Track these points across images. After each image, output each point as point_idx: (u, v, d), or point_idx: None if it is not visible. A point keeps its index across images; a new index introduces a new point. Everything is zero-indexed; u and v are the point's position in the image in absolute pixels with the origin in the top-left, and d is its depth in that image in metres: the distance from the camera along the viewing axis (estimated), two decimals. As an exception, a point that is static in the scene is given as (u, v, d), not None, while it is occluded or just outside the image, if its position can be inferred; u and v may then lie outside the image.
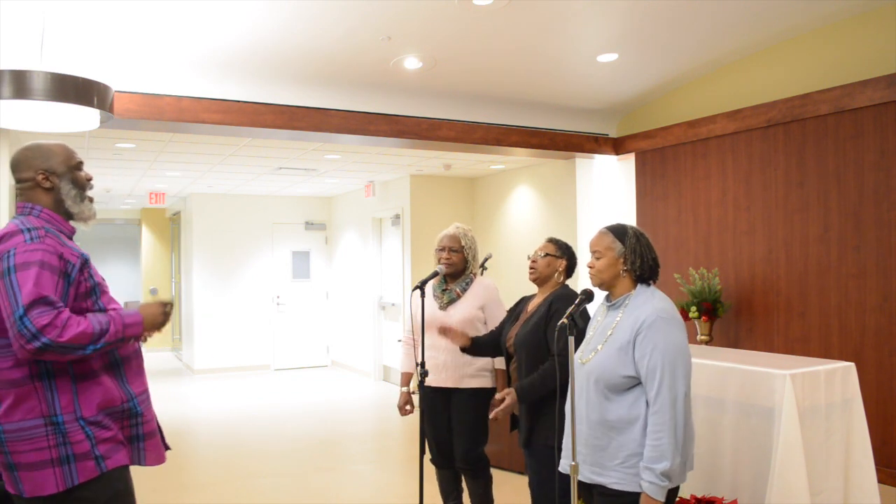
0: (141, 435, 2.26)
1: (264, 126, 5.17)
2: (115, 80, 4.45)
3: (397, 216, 9.11)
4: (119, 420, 2.20)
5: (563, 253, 3.18)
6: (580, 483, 2.46)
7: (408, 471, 5.37)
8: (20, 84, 2.83)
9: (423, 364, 3.50)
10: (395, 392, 8.65)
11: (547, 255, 3.16)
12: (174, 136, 5.95)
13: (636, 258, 2.45)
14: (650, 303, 2.39)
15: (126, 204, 12.06)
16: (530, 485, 3.14)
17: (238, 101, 5.10)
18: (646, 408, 2.29)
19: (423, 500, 3.46)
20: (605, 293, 2.57)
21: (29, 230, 2.09)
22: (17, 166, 2.22)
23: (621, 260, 2.46)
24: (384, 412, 7.74)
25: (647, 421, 2.26)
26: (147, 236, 13.05)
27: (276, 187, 9.93)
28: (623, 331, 2.37)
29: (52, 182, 2.21)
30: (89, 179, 2.31)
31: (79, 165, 2.28)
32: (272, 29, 4.39)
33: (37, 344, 1.95)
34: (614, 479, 2.33)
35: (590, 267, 2.53)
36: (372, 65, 5.03)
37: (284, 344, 10.96)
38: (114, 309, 2.21)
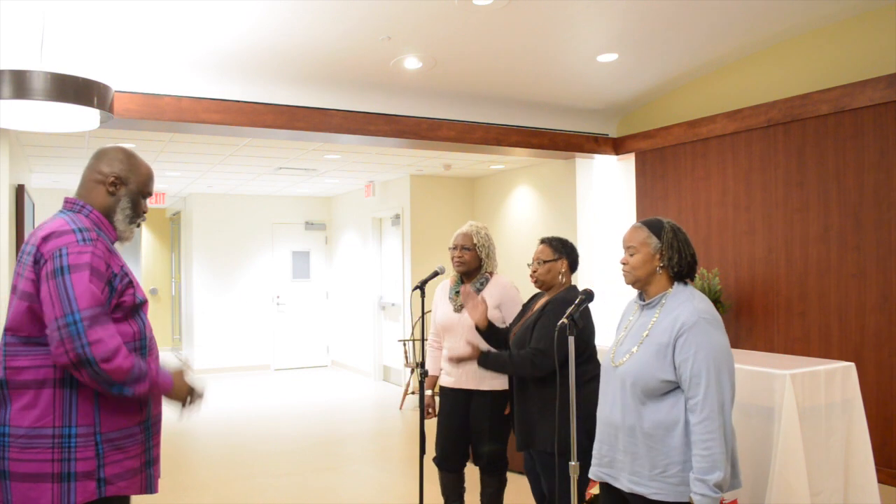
0: (152, 459, 2.19)
1: (264, 126, 5.17)
2: (115, 80, 4.46)
3: (397, 216, 9.11)
4: (140, 443, 2.12)
5: (561, 253, 3.10)
6: (616, 492, 2.35)
7: (408, 471, 5.37)
8: (20, 84, 2.82)
9: (422, 364, 3.49)
10: (395, 392, 8.65)
11: (545, 262, 3.09)
12: (174, 136, 5.95)
13: (673, 254, 2.29)
14: (690, 303, 2.23)
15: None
16: (535, 493, 3.13)
17: (238, 101, 5.10)
18: (684, 413, 2.16)
19: (423, 501, 3.47)
20: (638, 292, 2.42)
21: (81, 230, 2.04)
22: (102, 156, 2.20)
23: (657, 256, 2.30)
24: (384, 412, 7.73)
25: (692, 429, 2.12)
26: (147, 236, 13.04)
27: (276, 187, 9.93)
28: (661, 332, 2.22)
29: (117, 191, 2.19)
30: (146, 211, 2.30)
31: (147, 194, 2.28)
32: (272, 29, 4.39)
33: (81, 356, 1.90)
34: (654, 490, 2.19)
35: (623, 263, 2.37)
36: (372, 65, 5.03)
37: (284, 344, 10.96)
38: (154, 362, 2.17)
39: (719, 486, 2.08)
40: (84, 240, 2.02)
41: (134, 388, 2.01)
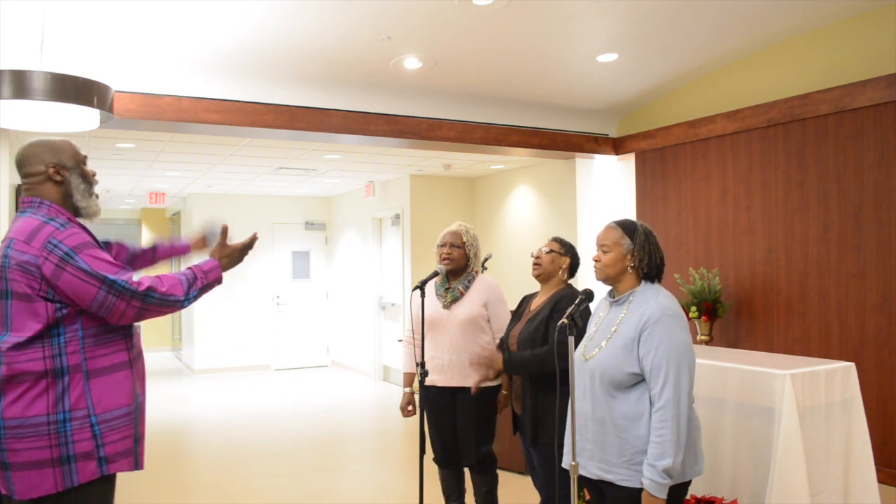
0: (138, 437, 2.24)
1: (264, 126, 5.17)
2: (115, 80, 4.45)
3: (397, 216, 9.11)
4: (130, 424, 2.18)
5: (567, 251, 3.22)
6: (589, 480, 2.45)
7: (408, 471, 5.37)
8: (20, 84, 2.82)
9: (422, 364, 3.49)
10: (395, 392, 8.65)
11: (551, 251, 3.20)
12: (174, 136, 5.95)
13: (644, 255, 2.42)
14: (655, 300, 2.36)
15: (126, 204, 12.07)
16: (536, 485, 3.15)
17: (238, 101, 5.10)
18: (650, 404, 2.28)
19: (423, 500, 3.46)
20: (609, 288, 2.54)
21: (51, 220, 2.10)
22: (25, 161, 2.19)
23: (629, 256, 2.43)
24: (384, 412, 7.74)
25: (652, 417, 2.25)
26: (147, 236, 13.05)
27: (276, 187, 9.93)
28: (627, 327, 2.35)
29: (63, 176, 2.20)
30: (94, 174, 2.31)
31: (84, 160, 2.29)
32: (272, 29, 4.39)
33: (140, 296, 2.06)
34: (621, 476, 2.32)
35: (595, 261, 2.50)
36: (372, 65, 5.03)
37: (284, 344, 10.96)
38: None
39: (668, 472, 2.21)
40: (62, 224, 2.09)
41: (196, 290, 2.21)
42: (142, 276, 2.11)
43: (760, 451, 2.96)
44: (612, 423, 2.34)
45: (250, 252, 2.46)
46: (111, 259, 2.11)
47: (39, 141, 2.23)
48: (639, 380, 2.31)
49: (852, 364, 3.18)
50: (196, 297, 2.22)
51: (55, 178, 2.18)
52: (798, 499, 2.82)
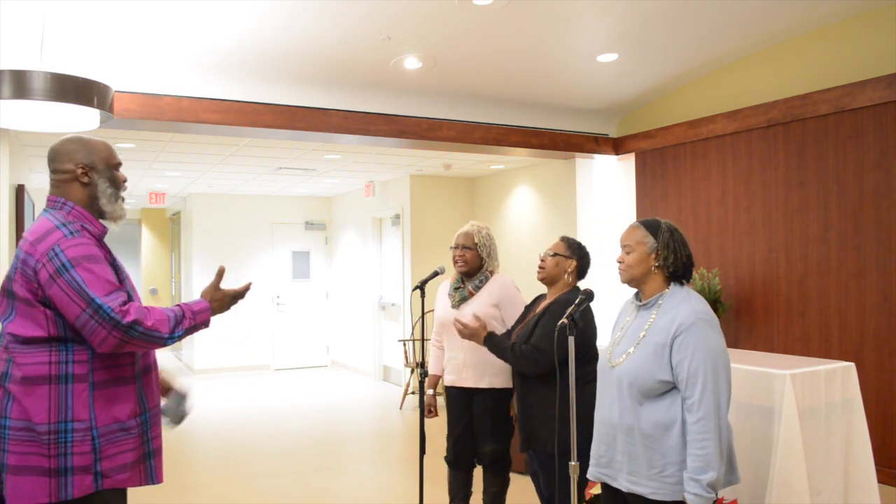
0: (152, 451, 2.19)
1: (264, 126, 5.17)
2: (115, 80, 4.46)
3: (397, 216, 9.11)
4: (136, 436, 2.13)
5: (574, 253, 3.10)
6: (616, 492, 2.35)
7: (408, 471, 5.37)
8: (20, 84, 2.82)
9: (422, 364, 3.50)
10: (395, 392, 8.64)
11: (556, 254, 3.09)
12: (174, 136, 5.95)
13: (669, 254, 2.31)
14: (687, 303, 2.24)
15: (126, 204, 12.03)
16: (539, 493, 3.13)
17: (238, 101, 5.10)
18: (681, 413, 2.17)
19: (423, 500, 3.47)
20: (635, 291, 2.43)
21: (64, 224, 2.06)
22: (56, 157, 2.16)
23: (653, 255, 2.32)
24: (384, 412, 7.73)
25: (689, 428, 2.14)
26: (147, 236, 13.05)
27: (276, 187, 9.93)
28: (658, 332, 2.23)
29: (91, 178, 2.16)
30: (125, 181, 2.28)
31: (118, 165, 2.25)
32: (272, 29, 4.39)
33: (122, 328, 1.96)
34: (652, 489, 2.20)
35: (619, 262, 2.38)
36: (372, 65, 5.04)
37: (284, 344, 10.96)
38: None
39: (712, 486, 2.10)
40: (71, 233, 2.04)
41: (182, 329, 2.09)
42: (130, 304, 2.01)
43: (760, 451, 2.96)
44: (640, 432, 2.22)
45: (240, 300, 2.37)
46: (110, 277, 2.04)
47: (75, 138, 2.19)
48: (669, 387, 2.20)
49: (852, 364, 3.19)
50: (180, 337, 2.10)
51: (82, 178, 2.15)
52: (798, 499, 2.82)
